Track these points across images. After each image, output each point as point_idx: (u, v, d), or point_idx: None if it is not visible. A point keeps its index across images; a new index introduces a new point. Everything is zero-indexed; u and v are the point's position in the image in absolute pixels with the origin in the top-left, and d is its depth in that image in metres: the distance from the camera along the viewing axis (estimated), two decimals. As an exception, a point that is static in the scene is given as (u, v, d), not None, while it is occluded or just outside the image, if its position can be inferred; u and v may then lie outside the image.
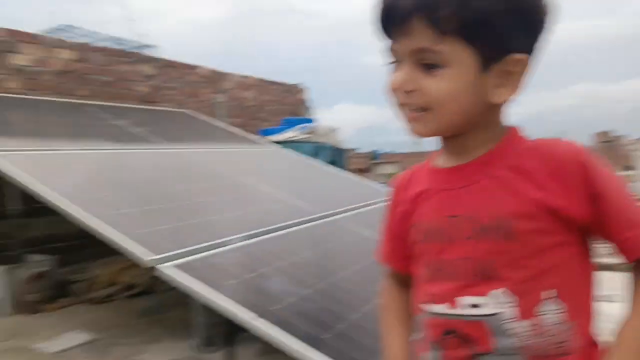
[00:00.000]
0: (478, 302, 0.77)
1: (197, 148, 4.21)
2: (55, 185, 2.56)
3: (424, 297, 0.85)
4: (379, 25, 0.80)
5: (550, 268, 0.77)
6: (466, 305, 0.78)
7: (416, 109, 0.79)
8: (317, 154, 5.24)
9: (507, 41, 0.76)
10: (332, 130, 5.73)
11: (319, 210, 3.34)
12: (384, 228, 0.99)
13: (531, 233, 0.76)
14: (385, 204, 0.99)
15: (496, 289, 0.76)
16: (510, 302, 0.76)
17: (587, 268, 0.81)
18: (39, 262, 3.57)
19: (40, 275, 3.46)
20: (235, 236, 2.53)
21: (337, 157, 5.49)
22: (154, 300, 3.56)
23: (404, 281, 0.96)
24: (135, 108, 5.03)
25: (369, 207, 3.82)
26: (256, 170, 4.02)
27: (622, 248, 0.78)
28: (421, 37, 0.74)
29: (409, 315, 0.96)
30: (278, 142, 5.29)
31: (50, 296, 3.49)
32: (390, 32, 0.78)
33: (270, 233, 2.73)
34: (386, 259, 1.00)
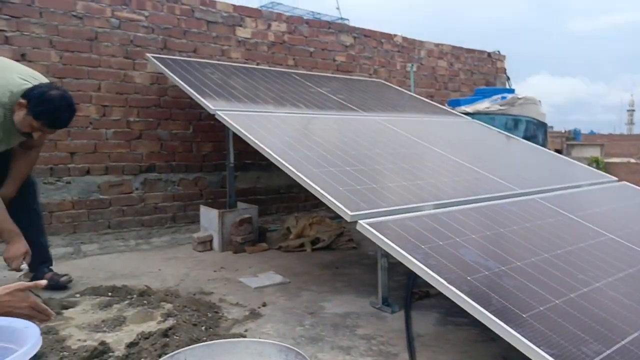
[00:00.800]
0: None
1: (389, 116, 4.25)
2: (270, 143, 2.86)
3: None
4: None
5: None
6: None
7: None
8: (515, 127, 4.85)
9: None
10: (533, 102, 5.21)
11: (517, 186, 3.10)
12: None
13: None
14: None
15: None
16: None
17: None
18: (245, 210, 4.08)
19: (245, 221, 3.94)
20: (428, 203, 2.50)
21: (537, 132, 5.00)
22: (336, 256, 3.78)
23: None
24: (333, 77, 5.30)
25: (576, 190, 3.41)
26: (447, 141, 3.90)
27: None
28: None
29: None
30: (471, 113, 5.03)
31: (251, 240, 3.97)
32: None
33: (463, 204, 2.63)
34: None
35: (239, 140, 3.32)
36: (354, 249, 3.96)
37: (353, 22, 6.54)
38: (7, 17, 3.60)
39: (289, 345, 1.61)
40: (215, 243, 3.96)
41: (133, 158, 4.15)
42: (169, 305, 2.48)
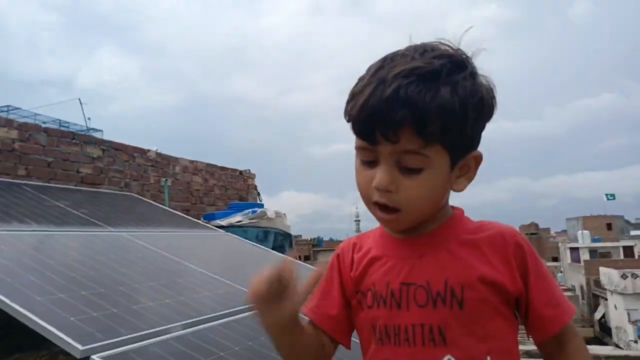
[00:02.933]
0: None
1: (139, 231, 4.03)
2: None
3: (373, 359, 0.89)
4: (359, 127, 0.85)
5: (493, 335, 0.85)
6: None
7: (388, 210, 0.86)
8: (265, 238, 5.17)
9: (471, 144, 0.88)
10: (280, 215, 5.72)
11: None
12: (322, 284, 1.00)
13: (479, 302, 0.85)
14: (330, 262, 1.03)
15: (448, 354, 0.83)
16: None
17: (516, 340, 0.90)
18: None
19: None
20: (174, 324, 2.35)
21: (284, 242, 5.43)
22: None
23: (322, 338, 0.98)
24: (76, 189, 4.83)
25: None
26: (198, 254, 3.87)
27: (539, 325, 0.88)
28: (409, 142, 0.81)
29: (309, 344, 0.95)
30: (224, 227, 5.18)
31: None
32: (371, 135, 0.83)
33: (212, 321, 2.57)
34: (314, 312, 1.00)
35: None
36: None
37: (109, 134, 6.27)
38: None
39: None
40: None
41: None
42: None
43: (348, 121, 0.87)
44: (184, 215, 5.32)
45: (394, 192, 0.83)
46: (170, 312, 2.48)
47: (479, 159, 0.89)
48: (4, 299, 2.06)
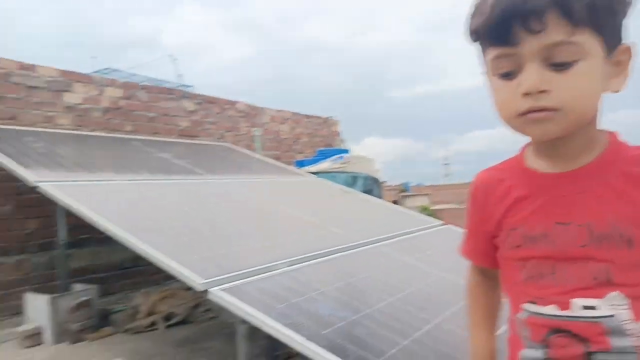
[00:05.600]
0: (593, 305, 0.79)
1: (237, 178, 4.27)
2: (106, 213, 2.63)
3: (526, 297, 0.85)
4: (495, 28, 0.76)
5: None
6: (579, 307, 0.80)
7: (546, 110, 0.76)
8: (354, 183, 5.24)
9: (620, 29, 0.78)
10: (368, 161, 5.74)
11: (361, 237, 3.31)
12: (468, 224, 0.99)
13: None
14: (469, 199, 0.98)
15: (611, 292, 0.78)
16: (624, 305, 0.78)
17: None
18: (82, 292, 3.63)
19: (82, 305, 3.50)
20: (280, 262, 2.52)
21: (373, 186, 5.47)
22: (193, 330, 3.54)
23: (489, 275, 0.98)
24: (177, 142, 5.18)
25: (411, 235, 3.77)
26: (292, 199, 4.03)
27: None
28: (556, 31, 0.72)
29: (495, 311, 1.00)
30: (314, 173, 5.32)
31: (92, 325, 3.52)
32: (510, 33, 0.75)
33: (314, 259, 2.71)
34: (470, 255, 1.01)
35: (71, 213, 2.99)
36: (213, 319, 3.75)
37: (198, 89, 6.58)
38: None
39: None
40: (47, 335, 3.40)
41: None
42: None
43: (473, 34, 0.80)
44: (277, 163, 5.53)
45: (549, 92, 0.73)
46: (272, 252, 2.65)
47: (630, 51, 0.78)
48: (133, 239, 2.32)
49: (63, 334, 3.39)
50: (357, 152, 6.57)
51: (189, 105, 5.60)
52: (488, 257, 0.94)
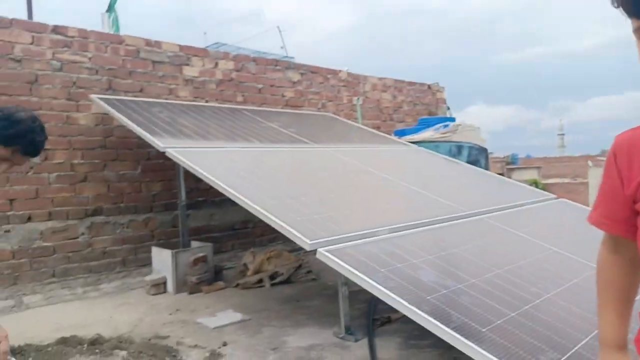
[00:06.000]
0: None
1: (340, 147, 4.35)
2: (223, 177, 2.84)
3: None
4: (626, 2, 0.75)
5: None
6: None
7: None
8: (458, 153, 5.07)
9: None
10: (474, 130, 5.49)
11: (467, 208, 3.23)
12: (603, 188, 0.93)
13: None
14: (607, 161, 0.92)
15: None
16: None
17: None
18: (199, 249, 3.98)
19: (200, 260, 3.85)
20: (382, 228, 2.56)
21: (479, 157, 5.25)
22: (295, 289, 3.75)
23: (624, 252, 0.90)
24: (283, 112, 5.38)
25: (522, 208, 3.59)
26: (398, 168, 4.01)
27: None
28: None
29: (629, 294, 0.92)
30: (416, 142, 5.22)
31: (207, 279, 3.87)
32: None
33: (416, 227, 2.71)
34: (604, 222, 0.93)
35: (190, 177, 3.29)
36: (313, 281, 3.94)
37: (298, 60, 6.71)
38: (-62, 61, 3.44)
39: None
40: (169, 285, 3.82)
41: (78, 202, 3.99)
42: (123, 352, 2.36)
43: (615, 1, 0.77)
44: (377, 132, 5.51)
45: None
46: (375, 219, 2.69)
47: None
48: (246, 200, 2.49)
49: (183, 285, 3.77)
50: (461, 120, 6.31)
51: (293, 75, 5.75)
52: (625, 225, 0.87)
